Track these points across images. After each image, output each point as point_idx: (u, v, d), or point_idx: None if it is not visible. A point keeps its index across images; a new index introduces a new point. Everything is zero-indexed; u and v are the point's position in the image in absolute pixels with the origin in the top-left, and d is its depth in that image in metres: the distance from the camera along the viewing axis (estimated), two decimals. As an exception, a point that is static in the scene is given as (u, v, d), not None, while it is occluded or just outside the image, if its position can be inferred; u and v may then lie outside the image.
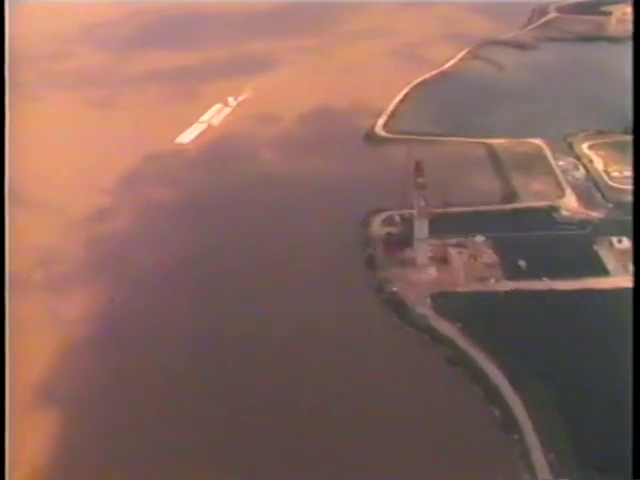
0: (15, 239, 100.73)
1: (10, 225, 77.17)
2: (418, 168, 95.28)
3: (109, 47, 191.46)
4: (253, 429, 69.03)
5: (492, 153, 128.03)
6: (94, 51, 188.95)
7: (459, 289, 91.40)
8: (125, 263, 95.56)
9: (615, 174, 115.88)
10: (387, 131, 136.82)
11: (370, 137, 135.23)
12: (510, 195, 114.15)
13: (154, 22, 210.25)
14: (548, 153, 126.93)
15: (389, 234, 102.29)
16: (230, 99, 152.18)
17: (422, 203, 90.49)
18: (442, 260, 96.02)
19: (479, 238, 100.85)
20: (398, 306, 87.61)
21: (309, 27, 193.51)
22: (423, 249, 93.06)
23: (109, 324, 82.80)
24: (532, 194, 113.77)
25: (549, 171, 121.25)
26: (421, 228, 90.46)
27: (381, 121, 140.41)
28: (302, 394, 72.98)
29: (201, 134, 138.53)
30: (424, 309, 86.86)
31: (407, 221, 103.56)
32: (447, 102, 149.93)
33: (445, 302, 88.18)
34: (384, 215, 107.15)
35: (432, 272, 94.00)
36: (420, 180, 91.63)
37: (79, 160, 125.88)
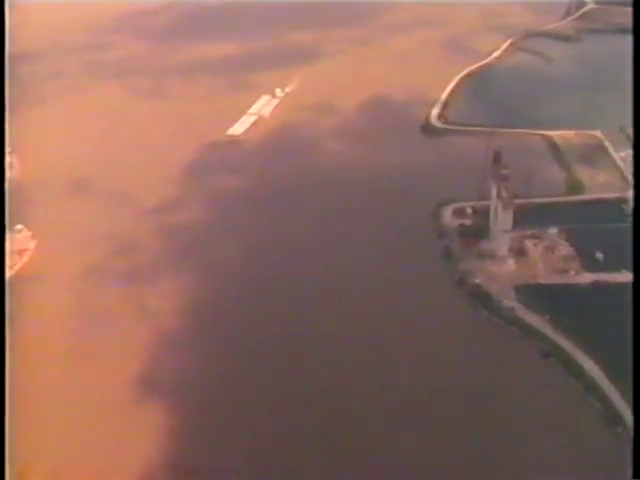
0: (88, 228, 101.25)
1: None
2: (497, 159, 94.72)
3: (148, 38, 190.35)
4: (349, 419, 68.00)
5: (552, 145, 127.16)
6: (134, 41, 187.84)
7: (540, 281, 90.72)
8: (206, 252, 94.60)
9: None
10: (443, 122, 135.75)
11: (427, 128, 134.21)
12: (577, 187, 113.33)
13: (190, 13, 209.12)
14: (608, 144, 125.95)
15: (462, 226, 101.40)
16: (277, 90, 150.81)
17: (505, 194, 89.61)
18: (519, 252, 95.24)
19: (552, 230, 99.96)
20: (483, 298, 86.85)
21: (352, 18, 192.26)
22: (504, 241, 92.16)
23: (198, 314, 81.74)
24: (598, 186, 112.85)
25: (611, 162, 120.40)
26: (505, 220, 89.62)
27: (435, 112, 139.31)
28: (393, 389, 71.88)
29: (253, 126, 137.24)
30: (510, 301, 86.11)
31: (478, 213, 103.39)
32: (498, 93, 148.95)
33: (529, 294, 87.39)
34: (453, 207, 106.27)
35: (512, 264, 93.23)
36: (504, 172, 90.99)
37: (136, 150, 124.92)
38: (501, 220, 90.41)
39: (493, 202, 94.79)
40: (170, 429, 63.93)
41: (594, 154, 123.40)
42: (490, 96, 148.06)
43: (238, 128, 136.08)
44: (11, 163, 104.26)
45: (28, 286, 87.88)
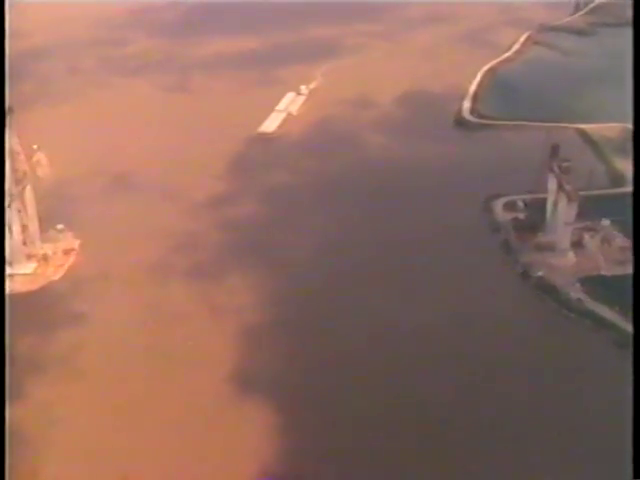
0: (137, 224, 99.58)
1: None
2: (555, 152, 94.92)
3: (162, 33, 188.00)
4: (436, 414, 67.68)
5: (587, 137, 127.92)
6: (147, 37, 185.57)
7: (602, 272, 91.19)
8: (269, 246, 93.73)
9: None
10: (476, 116, 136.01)
11: (460, 122, 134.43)
12: (618, 179, 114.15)
13: (199, 7, 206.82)
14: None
15: (516, 219, 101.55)
16: (302, 87, 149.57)
17: (569, 187, 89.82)
18: (577, 244, 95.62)
19: (605, 222, 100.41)
20: (550, 291, 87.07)
21: (368, 13, 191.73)
22: (566, 234, 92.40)
23: (279, 310, 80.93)
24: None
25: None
26: (569, 212, 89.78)
27: (466, 106, 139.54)
28: (464, 387, 71.52)
29: (283, 123, 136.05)
30: (577, 293, 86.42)
31: (530, 206, 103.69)
32: (524, 87, 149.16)
33: (593, 286, 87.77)
34: (503, 200, 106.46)
35: (572, 256, 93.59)
36: (565, 164, 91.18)
37: (171, 145, 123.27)
38: (564, 213, 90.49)
39: (551, 195, 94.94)
40: (281, 428, 62.77)
41: (629, 146, 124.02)
42: (516, 90, 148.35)
43: (269, 125, 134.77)
44: (39, 161, 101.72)
45: (91, 286, 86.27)
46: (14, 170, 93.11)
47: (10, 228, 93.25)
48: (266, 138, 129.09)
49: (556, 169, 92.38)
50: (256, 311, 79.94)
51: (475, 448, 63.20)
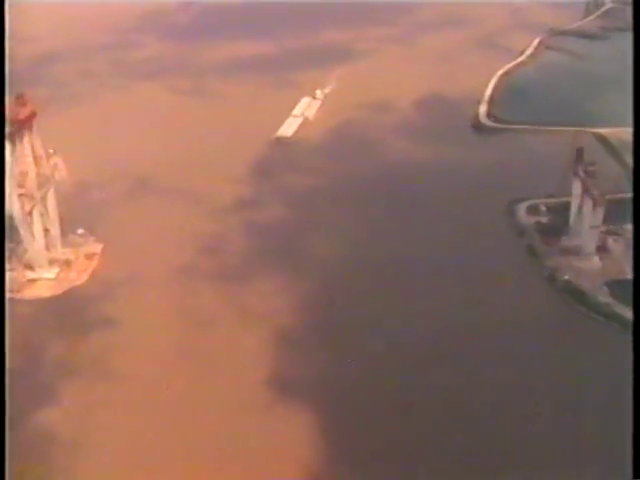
0: (162, 227, 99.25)
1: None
2: (580, 156, 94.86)
3: (173, 37, 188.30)
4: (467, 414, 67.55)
5: (605, 142, 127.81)
6: (158, 41, 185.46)
7: (628, 277, 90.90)
8: (297, 249, 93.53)
9: None
10: (493, 121, 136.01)
11: (478, 127, 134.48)
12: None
13: (211, 11, 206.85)
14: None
15: (539, 223, 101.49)
16: (318, 92, 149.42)
17: (596, 191, 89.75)
18: (602, 248, 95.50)
19: (628, 226, 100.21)
20: (578, 294, 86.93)
21: (382, 17, 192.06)
22: (592, 238, 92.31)
23: (311, 313, 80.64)
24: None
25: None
26: (595, 216, 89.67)
27: (482, 110, 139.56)
28: (495, 388, 71.35)
29: (301, 127, 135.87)
30: (605, 297, 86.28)
31: (553, 210, 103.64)
32: (539, 91, 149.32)
33: (620, 290, 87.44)
34: (525, 204, 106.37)
35: (597, 260, 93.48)
36: (591, 168, 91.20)
37: (191, 148, 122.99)
38: (590, 217, 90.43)
39: (575, 199, 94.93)
40: (322, 429, 62.48)
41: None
42: (532, 94, 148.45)
43: (286, 130, 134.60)
44: (56, 164, 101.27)
45: (118, 290, 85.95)
46: (37, 174, 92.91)
47: (32, 232, 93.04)
48: (284, 142, 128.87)
49: (581, 173, 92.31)
50: (288, 314, 79.50)
51: (505, 448, 62.91)
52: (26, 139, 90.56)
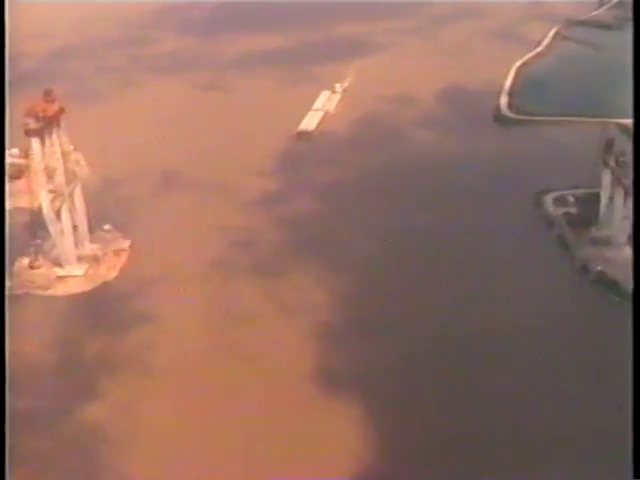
0: (191, 222, 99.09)
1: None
2: (610, 146, 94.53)
3: (188, 32, 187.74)
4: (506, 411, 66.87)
5: (628, 132, 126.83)
6: (174, 36, 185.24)
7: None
8: (331, 243, 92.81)
9: None
10: (514, 112, 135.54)
11: (499, 118, 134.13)
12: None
13: (225, 5, 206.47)
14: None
15: (568, 214, 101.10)
16: (337, 85, 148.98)
17: (627, 181, 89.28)
18: (629, 239, 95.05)
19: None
20: (611, 285, 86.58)
21: (397, 9, 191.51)
22: (624, 228, 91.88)
23: (351, 308, 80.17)
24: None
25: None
26: (627, 206, 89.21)
27: (504, 101, 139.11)
28: (531, 384, 70.52)
29: (323, 121, 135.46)
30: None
31: (581, 201, 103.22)
32: (558, 82, 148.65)
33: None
34: (552, 195, 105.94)
35: (628, 251, 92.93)
36: (622, 158, 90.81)
37: (215, 142, 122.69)
38: (622, 207, 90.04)
39: (606, 189, 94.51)
40: (374, 422, 62.35)
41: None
42: (551, 85, 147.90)
43: (309, 123, 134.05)
44: (77, 161, 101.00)
45: (150, 285, 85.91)
46: (65, 170, 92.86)
47: (62, 229, 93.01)
48: (308, 136, 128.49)
49: (612, 163, 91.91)
50: (328, 309, 78.80)
51: (545, 449, 62.57)
52: (54, 136, 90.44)
